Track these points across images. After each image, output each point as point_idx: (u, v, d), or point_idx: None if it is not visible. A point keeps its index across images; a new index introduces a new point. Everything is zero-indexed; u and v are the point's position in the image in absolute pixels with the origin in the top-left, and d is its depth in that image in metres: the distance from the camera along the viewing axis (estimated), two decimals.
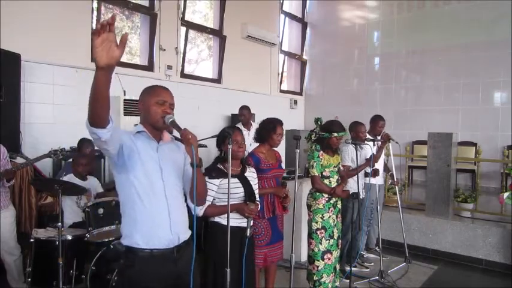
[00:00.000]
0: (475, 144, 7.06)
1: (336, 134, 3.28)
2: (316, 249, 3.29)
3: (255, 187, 2.76)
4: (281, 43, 9.01)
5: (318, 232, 3.29)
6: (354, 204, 4.01)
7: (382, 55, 8.56)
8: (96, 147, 3.80)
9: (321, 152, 3.31)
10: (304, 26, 9.63)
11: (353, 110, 7.95)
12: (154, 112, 1.84)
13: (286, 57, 9.35)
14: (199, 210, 2.42)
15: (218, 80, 7.46)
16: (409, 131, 7.81)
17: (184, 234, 1.93)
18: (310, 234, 3.35)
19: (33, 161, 3.36)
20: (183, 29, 6.73)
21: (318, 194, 3.32)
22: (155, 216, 1.82)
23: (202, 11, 7.67)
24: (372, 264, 4.48)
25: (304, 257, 4.25)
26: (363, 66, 8.83)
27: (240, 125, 5.40)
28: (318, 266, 3.29)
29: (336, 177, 3.39)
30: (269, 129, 3.16)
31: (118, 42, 1.39)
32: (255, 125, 5.10)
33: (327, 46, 9.41)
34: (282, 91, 9.12)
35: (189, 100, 6.49)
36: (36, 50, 4.61)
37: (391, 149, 4.48)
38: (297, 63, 9.76)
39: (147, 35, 6.23)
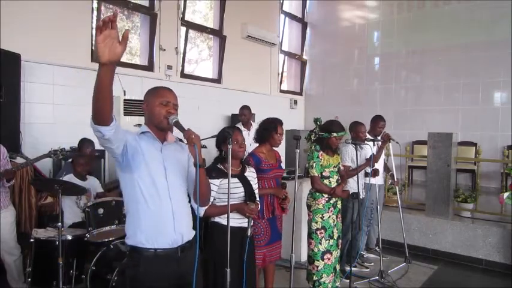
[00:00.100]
0: (475, 144, 7.06)
1: (335, 134, 3.28)
2: (315, 249, 3.30)
3: (255, 187, 2.77)
4: (281, 43, 9.01)
5: (318, 232, 3.29)
6: (354, 204, 4.01)
7: (382, 55, 8.56)
8: (96, 147, 3.84)
9: (321, 152, 3.31)
10: (304, 26, 9.63)
11: (353, 110, 7.94)
12: (158, 113, 1.85)
13: (286, 57, 9.35)
14: (200, 211, 2.42)
15: (218, 80, 7.46)
16: (409, 131, 7.81)
17: (188, 234, 1.94)
18: (310, 234, 3.35)
19: (33, 161, 3.36)
20: (183, 29, 6.73)
21: (317, 194, 3.32)
22: (159, 216, 1.83)
23: (202, 11, 7.68)
24: (372, 264, 4.48)
25: (304, 257, 4.25)
26: (363, 66, 8.83)
27: (240, 125, 5.40)
28: (317, 266, 3.29)
29: (336, 177, 3.39)
30: (270, 129, 3.16)
31: (120, 38, 1.42)
32: (254, 125, 5.10)
33: (327, 46, 9.41)
34: (282, 91, 9.12)
35: (189, 100, 6.49)
36: (36, 50, 4.61)
37: (391, 149, 4.48)
38: (297, 63, 9.77)
39: (147, 35, 6.23)
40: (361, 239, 4.39)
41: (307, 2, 9.59)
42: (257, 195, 2.76)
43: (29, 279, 3.07)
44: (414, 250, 4.84)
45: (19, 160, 3.64)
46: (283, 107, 8.96)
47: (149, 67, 6.18)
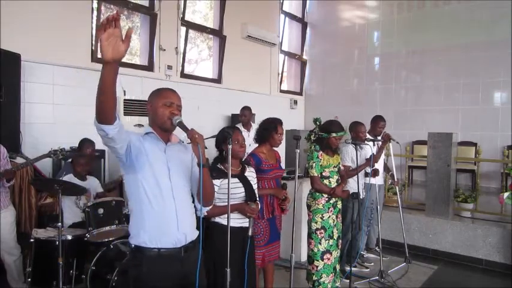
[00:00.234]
0: (475, 144, 7.06)
1: (334, 134, 3.28)
2: (315, 249, 3.30)
3: (255, 187, 2.76)
4: (281, 43, 9.01)
5: (318, 232, 3.29)
6: (354, 204, 4.01)
7: (382, 55, 8.56)
8: (96, 147, 3.84)
9: (320, 152, 3.31)
10: (304, 26, 9.63)
11: (353, 110, 7.94)
12: (161, 113, 1.87)
13: (286, 57, 9.34)
14: (203, 211, 2.42)
15: (218, 80, 7.46)
16: (409, 131, 7.81)
17: (192, 234, 1.95)
18: (310, 234, 3.35)
19: (33, 161, 3.36)
20: (183, 29, 6.73)
21: (317, 194, 3.32)
22: (163, 216, 1.84)
23: (202, 11, 7.67)
24: (372, 264, 4.48)
25: (304, 257, 4.25)
26: (363, 66, 8.83)
27: (239, 126, 5.40)
28: (317, 266, 3.30)
29: (336, 177, 3.39)
30: (270, 129, 3.16)
31: (123, 37, 1.44)
32: (254, 126, 5.10)
33: (327, 46, 9.41)
34: (282, 91, 9.12)
35: (189, 100, 6.45)
36: (36, 50, 4.61)
37: (391, 148, 4.48)
38: (297, 63, 9.76)
39: (147, 35, 6.23)
40: (361, 239, 4.39)
41: (307, 2, 9.59)
42: (257, 195, 2.76)
43: (29, 279, 3.08)
44: (414, 250, 4.84)
45: (19, 160, 3.64)
46: (283, 107, 8.96)
47: (149, 67, 6.18)
